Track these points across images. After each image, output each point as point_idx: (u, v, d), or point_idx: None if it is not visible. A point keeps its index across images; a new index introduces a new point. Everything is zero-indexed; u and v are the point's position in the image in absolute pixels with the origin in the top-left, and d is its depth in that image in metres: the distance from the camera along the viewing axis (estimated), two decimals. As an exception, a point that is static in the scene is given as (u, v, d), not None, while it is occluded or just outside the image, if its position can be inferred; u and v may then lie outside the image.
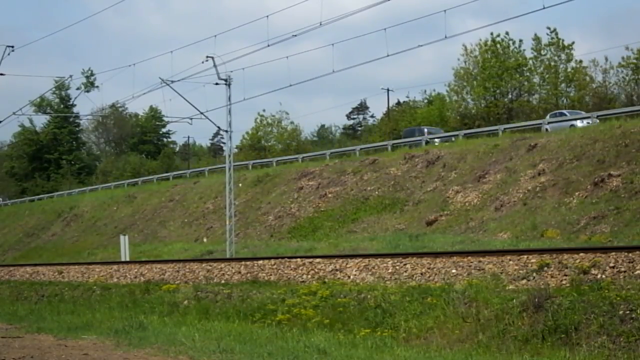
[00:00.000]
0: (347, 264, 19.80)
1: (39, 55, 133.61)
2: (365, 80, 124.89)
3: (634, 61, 56.29)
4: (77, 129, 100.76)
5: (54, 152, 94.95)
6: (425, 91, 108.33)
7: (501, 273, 15.68)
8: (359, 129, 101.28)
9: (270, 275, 21.37)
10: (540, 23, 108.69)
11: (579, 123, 41.07)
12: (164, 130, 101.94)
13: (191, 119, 45.69)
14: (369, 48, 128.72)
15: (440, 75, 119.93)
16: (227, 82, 35.22)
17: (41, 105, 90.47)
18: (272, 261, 22.32)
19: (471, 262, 16.83)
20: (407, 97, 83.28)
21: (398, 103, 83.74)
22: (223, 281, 22.62)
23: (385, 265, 18.76)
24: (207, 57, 35.14)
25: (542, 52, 59.60)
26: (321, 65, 68.47)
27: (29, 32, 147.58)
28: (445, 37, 27.87)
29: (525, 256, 16.09)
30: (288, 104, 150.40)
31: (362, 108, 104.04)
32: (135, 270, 27.79)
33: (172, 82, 38.26)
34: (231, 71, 35.82)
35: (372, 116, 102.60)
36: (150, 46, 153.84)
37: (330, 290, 17.56)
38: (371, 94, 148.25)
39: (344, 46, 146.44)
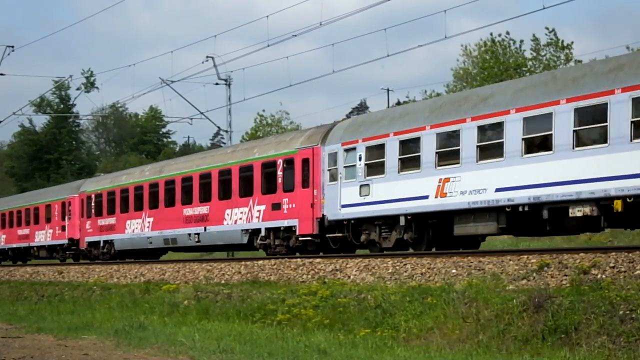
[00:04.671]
0: (347, 264, 19.79)
1: (33, 55, 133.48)
2: (362, 80, 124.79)
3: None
4: (77, 129, 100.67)
5: (54, 152, 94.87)
6: (425, 91, 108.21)
7: (501, 273, 15.68)
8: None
9: (270, 275, 21.37)
10: (536, 23, 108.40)
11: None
12: (164, 130, 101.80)
13: (191, 119, 45.75)
14: (366, 48, 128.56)
15: (435, 75, 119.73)
16: (227, 82, 35.27)
17: (41, 105, 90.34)
18: (272, 261, 22.31)
19: (471, 262, 16.83)
20: (407, 97, 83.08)
21: (398, 103, 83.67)
22: (223, 281, 22.62)
23: (385, 265, 18.75)
24: (207, 57, 35.27)
25: (542, 53, 59.54)
26: (319, 66, 68.20)
27: (22, 31, 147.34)
28: (445, 37, 27.80)
29: (525, 256, 16.08)
30: (287, 104, 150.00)
31: (362, 108, 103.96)
32: (135, 270, 27.80)
33: (172, 82, 38.33)
34: (231, 71, 35.89)
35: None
36: (144, 46, 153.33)
37: (330, 290, 17.55)
38: (368, 94, 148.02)
39: (341, 46, 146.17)
